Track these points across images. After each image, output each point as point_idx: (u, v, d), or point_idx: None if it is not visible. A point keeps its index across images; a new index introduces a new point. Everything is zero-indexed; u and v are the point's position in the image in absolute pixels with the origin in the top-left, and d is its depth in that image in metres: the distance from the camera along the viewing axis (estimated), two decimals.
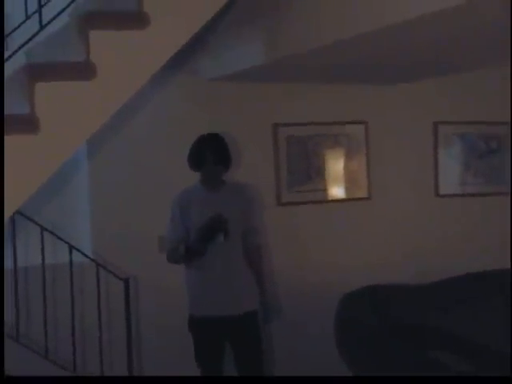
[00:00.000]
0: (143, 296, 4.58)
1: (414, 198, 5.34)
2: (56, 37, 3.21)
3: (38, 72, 2.87)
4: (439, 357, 4.08)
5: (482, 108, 5.45)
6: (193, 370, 3.95)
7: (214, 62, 4.54)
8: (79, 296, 4.31)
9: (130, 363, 4.27)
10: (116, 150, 4.53)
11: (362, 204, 5.22)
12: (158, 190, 4.56)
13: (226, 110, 4.80)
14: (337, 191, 5.20)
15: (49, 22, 3.09)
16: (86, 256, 4.28)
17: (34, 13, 3.14)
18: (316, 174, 5.09)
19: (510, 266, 4.73)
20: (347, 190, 5.21)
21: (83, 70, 2.87)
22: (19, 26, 3.23)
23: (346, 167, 5.19)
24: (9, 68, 3.02)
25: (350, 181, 5.21)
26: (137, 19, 2.98)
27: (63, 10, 3.15)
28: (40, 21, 3.08)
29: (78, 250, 4.23)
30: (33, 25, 3.13)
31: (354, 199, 5.21)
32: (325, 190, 5.14)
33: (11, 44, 3.21)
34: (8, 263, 4.08)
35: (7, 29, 3.23)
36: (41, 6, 3.09)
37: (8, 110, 2.82)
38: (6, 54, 3.05)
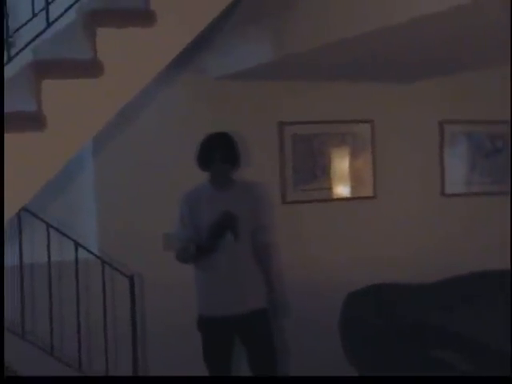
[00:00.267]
0: (148, 293, 4.58)
1: (419, 197, 5.34)
2: (63, 34, 3.22)
3: (45, 69, 2.87)
4: (443, 356, 4.08)
5: (489, 107, 5.44)
6: (198, 368, 3.95)
7: (220, 60, 4.54)
8: (84, 293, 4.32)
9: (135, 360, 4.27)
10: (121, 147, 4.54)
11: (367, 203, 5.22)
12: (164, 188, 4.57)
13: (232, 109, 4.80)
14: (342, 190, 5.20)
15: (56, 20, 3.10)
16: (92, 253, 4.28)
17: (41, 10, 3.15)
18: (321, 172, 5.09)
19: None
20: (353, 188, 5.21)
21: (90, 68, 2.88)
22: (26, 23, 3.24)
23: (351, 166, 5.19)
24: (16, 65, 3.02)
25: (355, 179, 5.21)
26: (143, 17, 2.98)
27: (70, 7, 3.16)
28: (47, 18, 3.09)
29: (84, 248, 4.24)
30: (40, 22, 3.14)
31: (359, 198, 5.21)
32: (330, 188, 5.14)
33: (18, 41, 3.22)
34: (14, 260, 4.09)
35: (15, 26, 3.23)
36: (48, 4, 3.10)
37: (15, 107, 2.83)
38: (13, 51, 3.06)
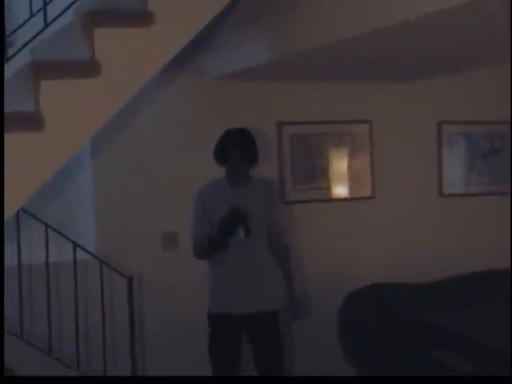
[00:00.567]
0: (147, 294, 4.58)
1: (417, 197, 5.34)
2: (61, 34, 3.22)
3: (43, 69, 2.87)
4: (443, 356, 4.08)
5: (487, 107, 5.44)
6: (197, 368, 3.95)
7: (218, 60, 4.54)
8: (83, 294, 4.32)
9: (134, 361, 4.27)
10: (120, 148, 4.53)
11: (365, 203, 5.21)
12: (162, 189, 4.57)
13: (231, 109, 4.80)
14: (340, 190, 5.20)
15: (54, 20, 3.10)
16: (90, 254, 4.28)
17: (39, 10, 3.14)
18: (320, 172, 5.09)
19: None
20: (351, 188, 5.21)
21: (88, 68, 2.88)
22: (24, 24, 3.24)
23: (349, 166, 5.19)
24: (13, 66, 3.02)
25: (353, 180, 5.21)
26: (141, 17, 2.98)
27: (68, 7, 3.16)
28: (45, 18, 3.09)
29: (82, 248, 4.24)
30: (37, 22, 3.13)
31: (357, 198, 5.21)
32: (328, 188, 5.14)
33: (16, 42, 3.22)
34: (12, 260, 4.08)
35: (12, 26, 3.23)
36: (46, 4, 3.09)
37: (13, 107, 2.83)
38: (12, 51, 3.06)
